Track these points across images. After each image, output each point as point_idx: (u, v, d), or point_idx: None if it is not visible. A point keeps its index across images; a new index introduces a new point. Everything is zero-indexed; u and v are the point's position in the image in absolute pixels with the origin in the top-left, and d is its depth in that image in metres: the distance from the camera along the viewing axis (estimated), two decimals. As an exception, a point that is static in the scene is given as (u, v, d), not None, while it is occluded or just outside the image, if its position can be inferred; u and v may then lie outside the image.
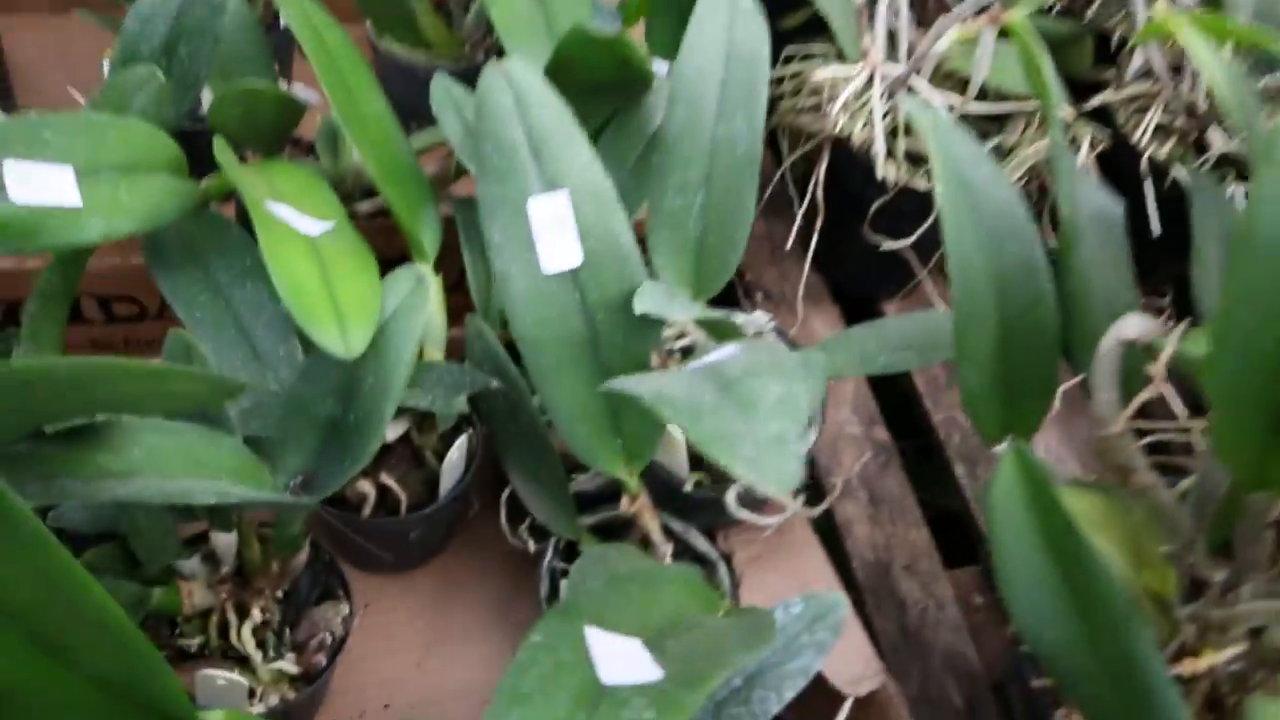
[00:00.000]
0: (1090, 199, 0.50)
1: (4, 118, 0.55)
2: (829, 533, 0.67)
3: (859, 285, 0.81)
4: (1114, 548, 0.46)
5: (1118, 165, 0.75)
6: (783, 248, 0.78)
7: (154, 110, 0.51)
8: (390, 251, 0.62)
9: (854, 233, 0.73)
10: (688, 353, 0.52)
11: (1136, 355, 0.46)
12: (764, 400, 0.30)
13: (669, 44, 0.65)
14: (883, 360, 0.51)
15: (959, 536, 0.69)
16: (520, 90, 0.44)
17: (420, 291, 0.42)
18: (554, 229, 0.42)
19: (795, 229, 0.75)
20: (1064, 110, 0.73)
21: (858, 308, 0.81)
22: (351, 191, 0.63)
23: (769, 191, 0.78)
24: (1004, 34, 0.73)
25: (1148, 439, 0.49)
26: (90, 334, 0.64)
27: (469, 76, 0.75)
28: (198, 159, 0.56)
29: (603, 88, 0.55)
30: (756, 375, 0.32)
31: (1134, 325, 0.43)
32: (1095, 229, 0.50)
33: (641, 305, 0.41)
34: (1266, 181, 0.35)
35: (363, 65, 0.55)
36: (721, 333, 0.49)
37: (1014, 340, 0.48)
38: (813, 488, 0.69)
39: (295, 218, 0.44)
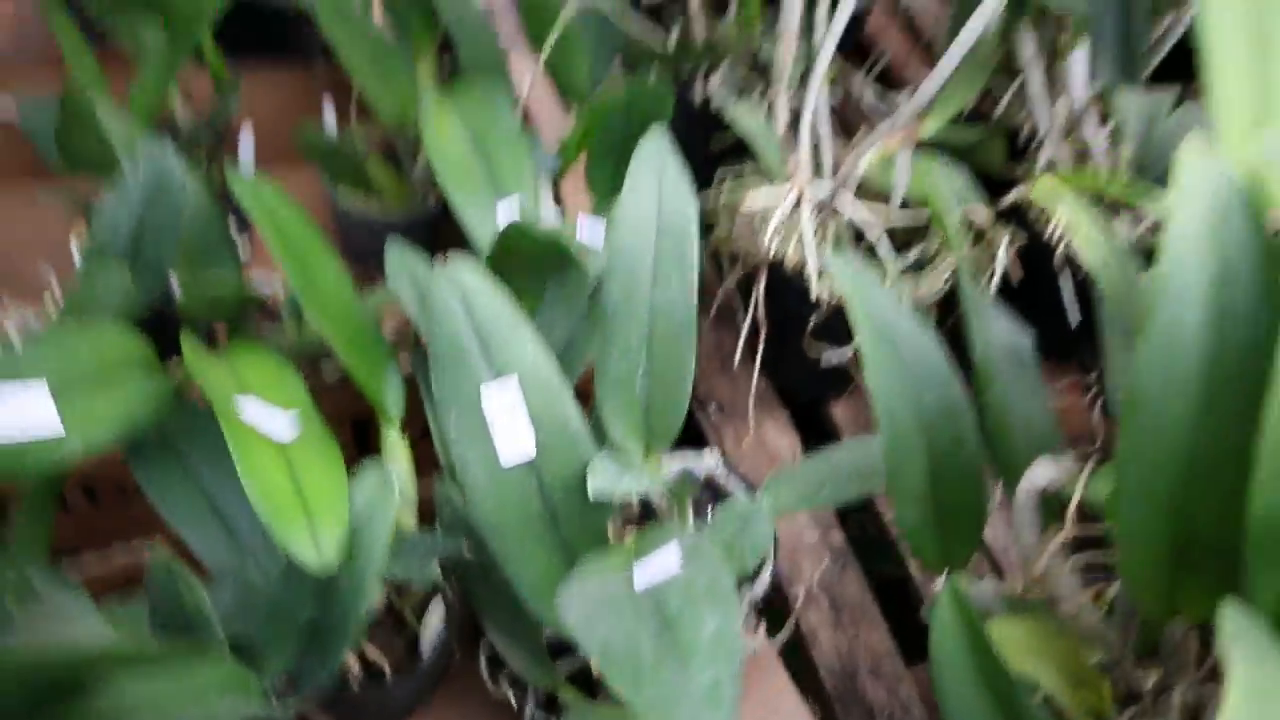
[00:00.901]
0: (1001, 334, 0.53)
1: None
2: (795, 641, 0.67)
3: (806, 390, 0.82)
4: (1050, 669, 0.47)
5: (1037, 258, 0.76)
6: (732, 359, 0.80)
7: (124, 306, 0.53)
8: (360, 411, 0.63)
9: (797, 344, 0.74)
10: (648, 512, 0.53)
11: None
12: (700, 641, 0.31)
13: (607, 185, 0.70)
14: (826, 492, 0.52)
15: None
16: (466, 290, 0.45)
17: (386, 493, 0.43)
18: (507, 417, 0.43)
19: (742, 342, 0.77)
20: (981, 213, 0.74)
21: (807, 410, 0.82)
22: (318, 355, 0.63)
23: (715, 306, 0.80)
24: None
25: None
26: (77, 524, 0.64)
27: (422, 225, 0.79)
28: (169, 339, 0.58)
29: (543, 264, 0.56)
30: (694, 605, 0.32)
31: (1043, 473, 0.45)
32: (1008, 363, 0.52)
33: (594, 485, 0.43)
34: (1145, 362, 0.38)
35: (316, 238, 0.56)
36: (677, 493, 0.50)
37: (943, 478, 0.50)
38: (775, 600, 0.68)
39: (263, 416, 0.45)
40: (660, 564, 0.36)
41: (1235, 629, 0.31)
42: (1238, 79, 0.43)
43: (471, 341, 0.45)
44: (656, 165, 0.51)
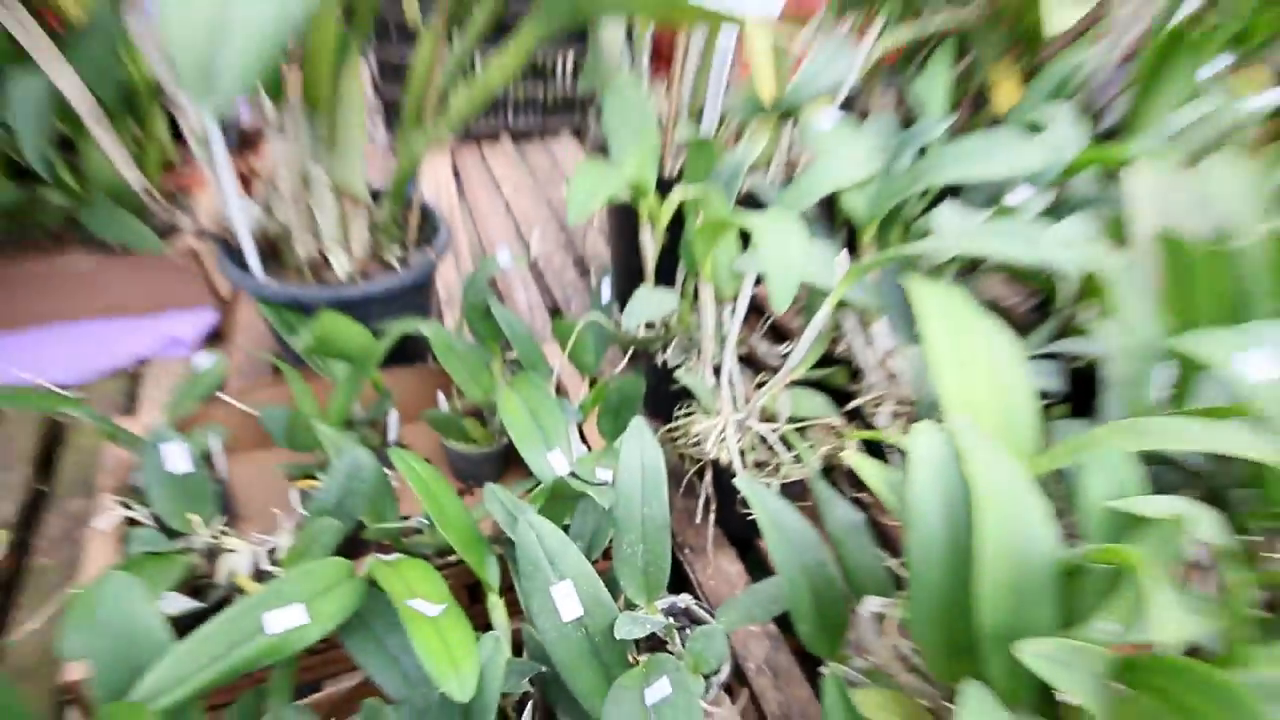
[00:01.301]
0: (843, 514, 0.53)
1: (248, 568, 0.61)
2: (753, 699, 0.67)
3: (744, 534, 0.82)
4: (893, 716, 0.45)
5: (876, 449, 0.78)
6: (695, 517, 0.81)
7: (333, 542, 0.56)
8: (472, 581, 0.65)
9: (733, 507, 0.77)
10: (657, 643, 0.54)
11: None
12: None
13: (611, 431, 0.74)
14: (757, 613, 0.54)
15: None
16: (539, 530, 0.49)
17: (499, 648, 0.45)
18: (566, 600, 0.47)
19: (700, 507, 0.79)
20: (836, 419, 0.77)
21: (745, 545, 0.83)
22: (446, 549, 0.64)
23: (683, 484, 0.80)
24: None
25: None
26: (303, 671, 0.64)
27: (498, 456, 0.83)
28: (359, 549, 0.61)
29: (576, 495, 0.58)
30: (677, 714, 0.38)
31: (871, 604, 0.47)
32: (850, 531, 0.52)
33: (620, 633, 0.46)
34: (913, 546, 0.40)
35: (442, 480, 0.58)
36: (668, 626, 0.52)
37: (820, 602, 0.50)
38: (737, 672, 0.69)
39: (424, 606, 0.47)
40: (659, 689, 0.39)
41: (970, 700, 0.34)
42: (949, 375, 0.49)
43: (542, 558, 0.48)
44: (639, 436, 0.54)
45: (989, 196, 0.76)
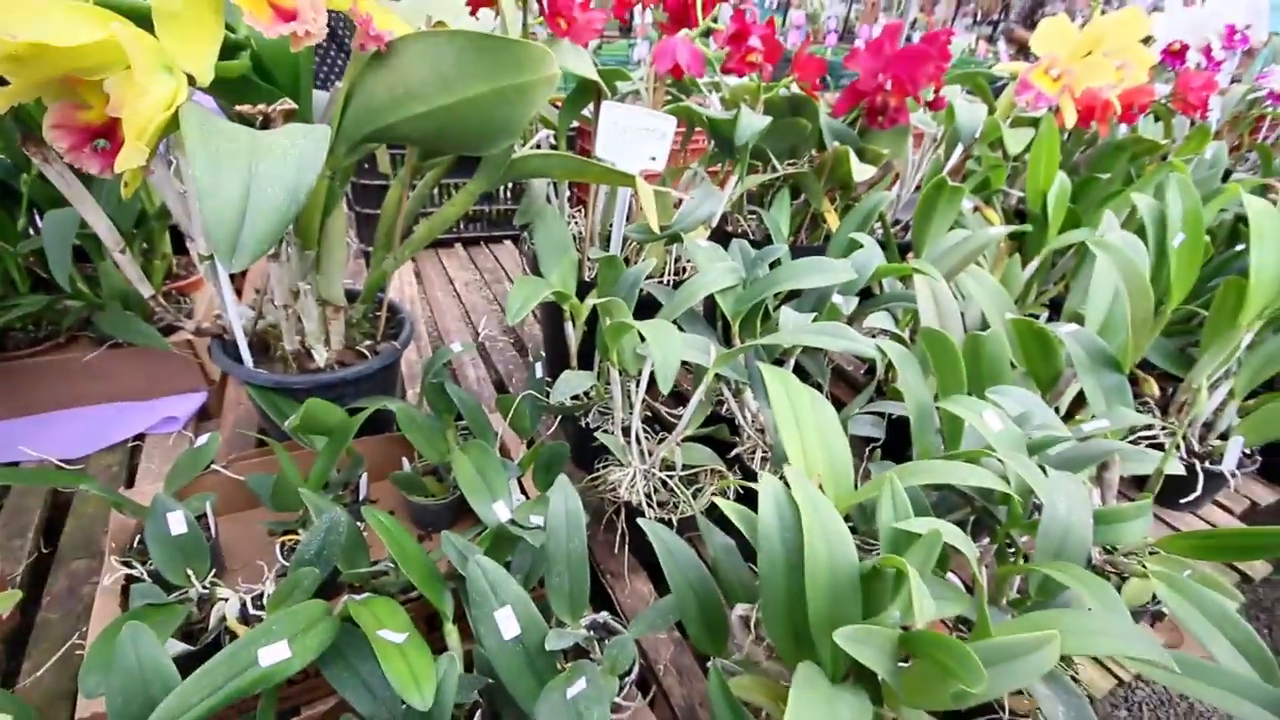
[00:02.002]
0: (720, 541, 0.57)
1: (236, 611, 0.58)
2: (662, 694, 0.68)
3: (654, 559, 0.73)
4: (765, 697, 0.48)
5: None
6: (614, 548, 0.83)
7: (313, 587, 0.55)
8: (431, 613, 0.62)
9: (644, 540, 0.76)
10: (581, 653, 0.55)
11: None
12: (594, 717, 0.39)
13: (544, 483, 0.75)
14: (659, 623, 0.56)
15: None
16: (484, 567, 0.50)
17: (453, 667, 0.46)
18: (506, 622, 0.48)
19: (618, 539, 0.81)
20: (720, 466, 0.82)
21: (655, 569, 0.81)
22: (409, 587, 0.63)
23: (604, 521, 0.82)
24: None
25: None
26: (283, 697, 0.61)
27: (452, 507, 0.82)
28: (335, 589, 0.60)
29: (515, 539, 0.61)
30: (590, 704, 0.40)
31: (740, 610, 0.51)
32: (726, 554, 0.56)
33: (550, 645, 0.48)
34: (762, 560, 0.44)
35: (404, 532, 0.57)
36: (588, 638, 0.54)
37: (705, 611, 0.53)
38: (646, 672, 0.70)
39: (391, 635, 0.48)
40: (578, 686, 0.42)
41: (802, 677, 0.37)
42: (788, 432, 0.56)
43: (487, 589, 0.50)
44: (562, 489, 0.57)
45: (819, 298, 0.84)
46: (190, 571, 0.60)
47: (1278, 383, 1.05)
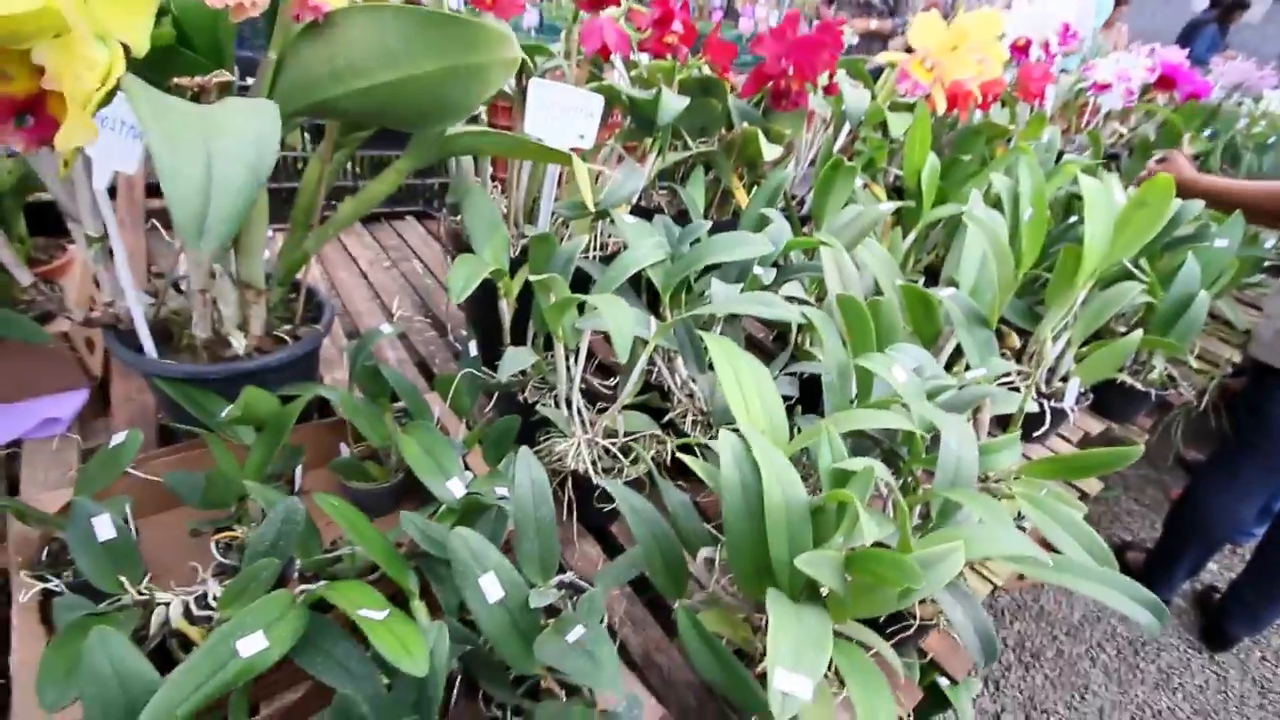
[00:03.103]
0: (676, 495, 0.61)
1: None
2: (621, 644, 0.71)
3: (599, 523, 0.88)
4: (726, 626, 0.55)
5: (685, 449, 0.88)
6: (561, 516, 0.83)
7: (272, 578, 0.54)
8: (396, 592, 0.62)
9: (591, 505, 0.82)
10: (552, 611, 0.58)
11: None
12: (602, 654, 0.42)
13: (495, 458, 0.76)
14: (621, 577, 0.61)
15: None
16: (465, 537, 0.52)
17: (441, 635, 0.48)
18: (491, 587, 0.50)
19: (565, 507, 0.83)
20: (657, 430, 0.86)
21: (600, 533, 0.88)
22: (373, 567, 0.62)
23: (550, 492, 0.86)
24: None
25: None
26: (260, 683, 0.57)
27: (395, 490, 0.80)
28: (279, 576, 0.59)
29: (483, 508, 0.62)
30: (594, 644, 0.44)
31: (705, 553, 0.55)
32: (682, 508, 0.60)
33: (534, 603, 0.50)
34: (726, 503, 0.52)
35: (358, 514, 0.57)
36: (561, 596, 0.58)
37: (667, 561, 0.57)
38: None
39: (372, 613, 0.49)
40: (576, 633, 0.46)
41: (772, 599, 0.46)
42: (733, 393, 0.61)
43: (470, 559, 0.52)
44: (526, 460, 0.60)
45: (741, 270, 0.91)
46: (124, 578, 0.56)
47: (1103, 332, 1.27)
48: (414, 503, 0.81)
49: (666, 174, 1.26)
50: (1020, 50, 1.57)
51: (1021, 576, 1.10)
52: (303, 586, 0.59)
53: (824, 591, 0.51)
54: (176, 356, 0.77)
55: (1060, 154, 1.81)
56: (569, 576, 0.64)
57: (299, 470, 0.74)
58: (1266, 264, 1.70)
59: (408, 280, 1.42)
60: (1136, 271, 1.19)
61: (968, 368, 0.91)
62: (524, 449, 0.61)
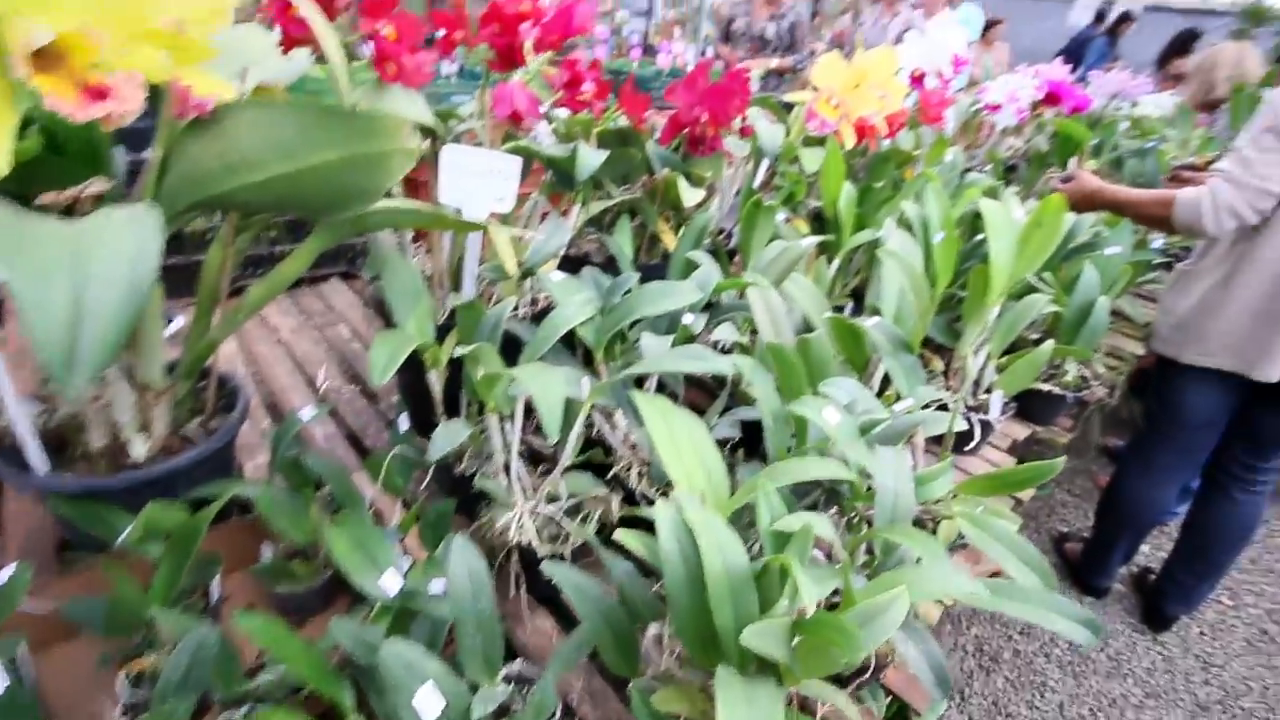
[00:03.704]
0: (620, 567, 0.59)
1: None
2: None
3: (550, 593, 0.81)
4: (683, 703, 0.53)
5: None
6: (509, 591, 0.81)
7: (187, 715, 0.50)
8: (324, 705, 0.58)
9: (538, 577, 0.75)
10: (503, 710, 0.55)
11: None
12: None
13: (433, 541, 0.74)
14: (574, 657, 0.58)
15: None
16: (397, 651, 0.49)
17: None
18: (429, 699, 0.47)
19: (513, 582, 0.80)
20: (602, 490, 0.84)
21: (553, 602, 0.83)
22: (294, 685, 0.58)
23: (496, 565, 0.77)
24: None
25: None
26: None
27: (323, 589, 0.75)
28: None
29: (413, 611, 0.59)
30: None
31: (653, 629, 0.55)
32: (628, 578, 0.59)
33: (475, 715, 0.48)
34: (668, 574, 0.52)
35: (282, 627, 0.54)
36: (511, 693, 0.56)
37: (617, 637, 0.55)
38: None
39: None
40: None
41: (721, 681, 0.45)
42: (669, 456, 0.61)
43: (404, 670, 0.49)
44: (462, 550, 0.58)
45: (671, 320, 0.92)
46: (14, 736, 0.50)
47: (1019, 342, 1.34)
48: (348, 599, 0.77)
49: (594, 220, 1.27)
50: (917, 80, 1.68)
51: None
52: (224, 715, 0.55)
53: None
54: (73, 468, 0.71)
55: (966, 169, 1.93)
56: (518, 666, 0.61)
57: (216, 580, 0.69)
58: (1158, 261, 1.85)
59: (334, 347, 1.37)
60: (1041, 285, 1.26)
61: (898, 397, 0.94)
62: (458, 539, 0.59)
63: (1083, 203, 1.46)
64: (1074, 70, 2.35)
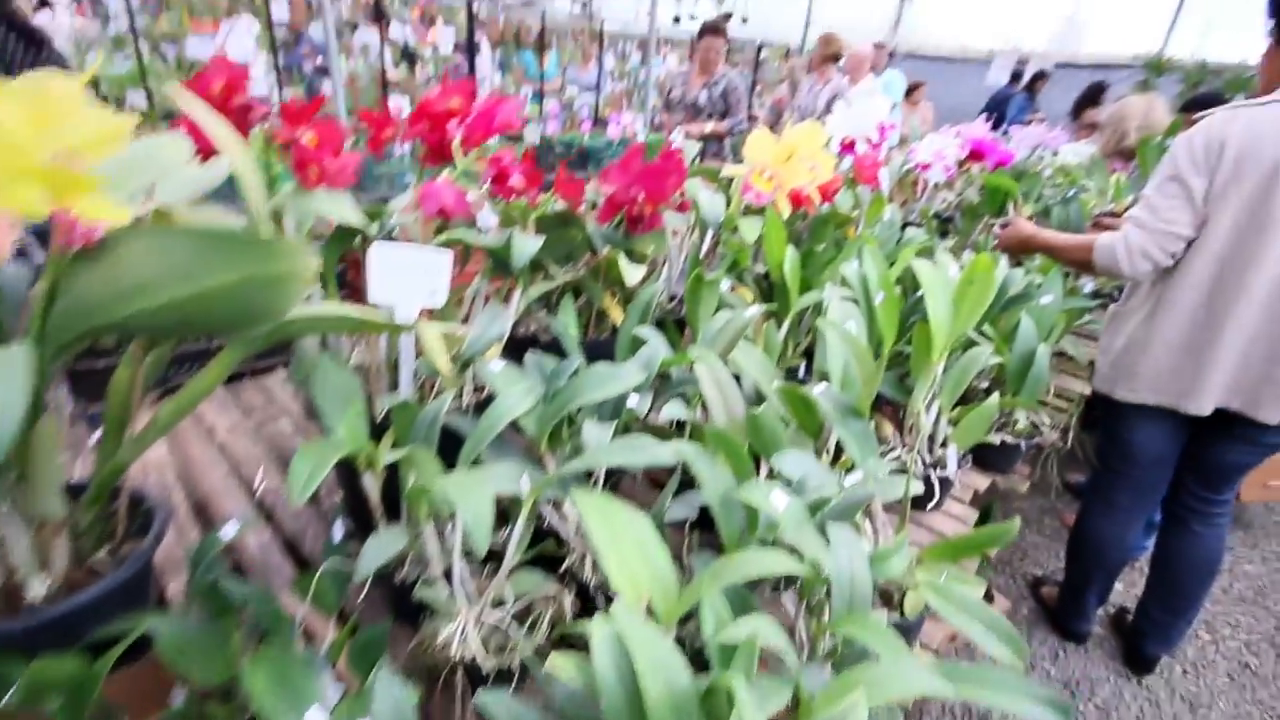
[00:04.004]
0: (562, 690, 0.55)
1: None
2: None
3: None
4: None
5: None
6: (453, 713, 0.75)
7: None
8: None
9: None
10: None
11: None
12: None
13: (364, 669, 0.66)
14: None
15: None
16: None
17: None
18: None
19: (457, 701, 0.74)
20: (553, 588, 0.80)
21: None
22: None
23: (440, 681, 0.73)
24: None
25: None
26: None
27: None
28: None
29: None
30: None
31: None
32: (571, 703, 0.54)
33: None
34: (604, 695, 0.47)
35: None
36: None
37: None
38: None
39: None
40: None
41: None
42: (612, 559, 0.58)
43: None
44: (388, 686, 0.54)
45: (615, 406, 0.91)
46: None
47: (969, 393, 1.36)
48: (275, 736, 0.70)
49: (544, 298, 1.27)
50: (848, 147, 1.76)
51: (953, 637, 1.11)
52: None
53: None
54: (-45, 616, 0.64)
55: (905, 224, 2.01)
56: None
57: None
58: (1095, 303, 1.93)
59: (275, 444, 1.31)
60: (980, 339, 1.30)
61: (853, 466, 0.94)
62: (383, 673, 0.54)
63: (1018, 247, 1.54)
64: (997, 125, 2.51)
